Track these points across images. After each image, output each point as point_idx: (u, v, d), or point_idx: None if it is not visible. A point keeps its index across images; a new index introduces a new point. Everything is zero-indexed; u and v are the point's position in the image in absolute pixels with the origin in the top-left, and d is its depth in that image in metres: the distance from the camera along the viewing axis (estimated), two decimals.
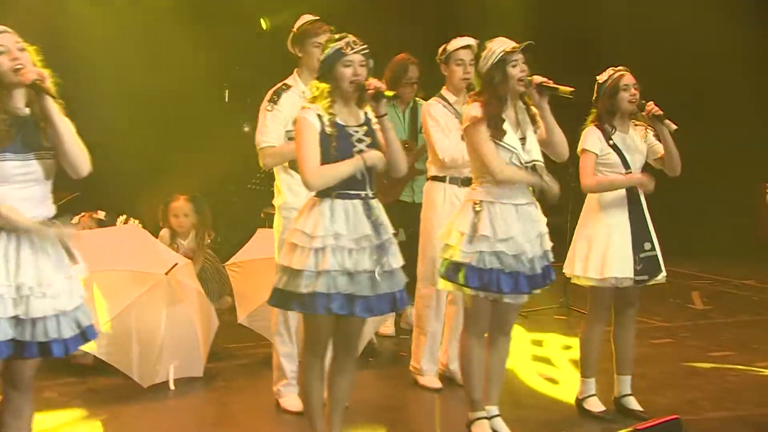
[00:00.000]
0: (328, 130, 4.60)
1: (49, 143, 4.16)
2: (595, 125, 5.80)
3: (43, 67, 4.37)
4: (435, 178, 6.56)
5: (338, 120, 4.69)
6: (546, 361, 7.56)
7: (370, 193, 4.86)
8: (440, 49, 6.59)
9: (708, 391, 6.82)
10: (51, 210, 4.33)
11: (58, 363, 6.40)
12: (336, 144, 4.63)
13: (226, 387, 6.63)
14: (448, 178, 6.45)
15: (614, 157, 5.73)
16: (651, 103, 5.77)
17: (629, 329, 6.14)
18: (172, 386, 6.20)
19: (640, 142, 5.96)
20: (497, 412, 5.49)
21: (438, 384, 6.60)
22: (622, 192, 5.86)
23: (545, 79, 5.20)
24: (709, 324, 9.07)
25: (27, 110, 4.19)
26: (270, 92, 6.07)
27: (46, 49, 4.51)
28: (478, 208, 5.17)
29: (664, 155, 5.95)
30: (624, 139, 5.81)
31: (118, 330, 6.29)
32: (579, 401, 6.06)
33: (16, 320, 4.18)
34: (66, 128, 4.19)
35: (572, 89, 5.24)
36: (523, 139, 5.19)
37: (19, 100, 4.13)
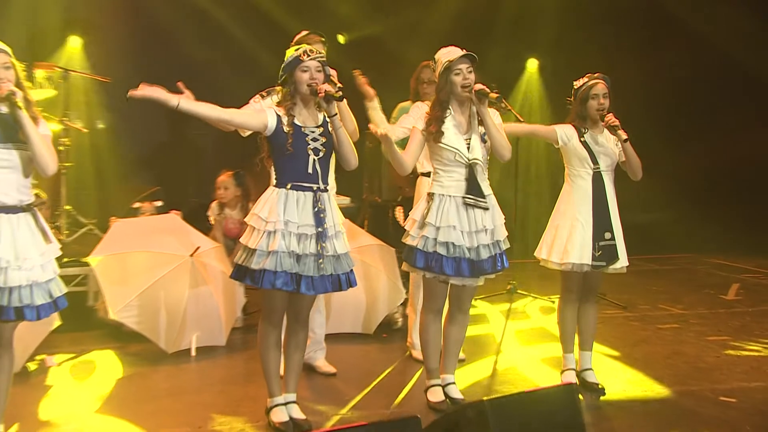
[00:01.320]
0: (285, 129, 5.02)
1: (23, 138, 4.66)
2: (571, 124, 6.08)
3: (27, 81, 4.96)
4: (423, 174, 6.83)
5: (296, 121, 5.07)
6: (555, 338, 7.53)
7: (321, 186, 5.21)
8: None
9: (676, 368, 6.95)
10: (29, 196, 4.85)
11: (103, 332, 7.42)
12: (291, 141, 5.03)
13: (244, 354, 7.06)
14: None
15: (584, 153, 5.98)
16: (610, 114, 5.97)
17: (591, 310, 6.36)
18: (193, 353, 6.72)
19: (611, 145, 6.13)
20: (452, 380, 5.83)
21: None
22: (589, 188, 6.09)
23: (482, 87, 5.45)
24: (728, 313, 9.01)
25: (5, 110, 4.67)
26: (264, 90, 6.37)
27: None
28: (429, 200, 5.56)
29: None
30: (596, 138, 6.04)
31: (147, 303, 6.84)
32: (561, 374, 6.31)
33: (11, 288, 4.68)
34: (35, 134, 4.69)
35: (497, 95, 5.48)
36: (468, 140, 5.49)
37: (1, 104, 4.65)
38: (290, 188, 5.14)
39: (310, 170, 5.17)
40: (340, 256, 5.29)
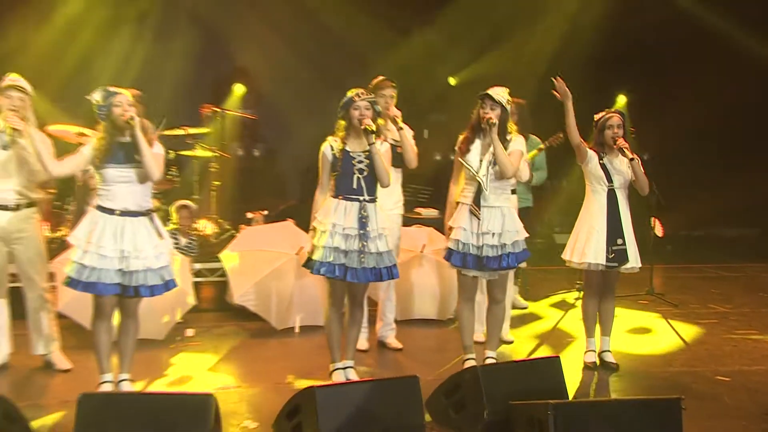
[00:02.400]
0: (336, 155, 5.52)
1: (139, 159, 5.22)
2: (592, 149, 6.30)
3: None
4: None
5: (347, 147, 5.54)
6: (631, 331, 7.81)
7: (366, 198, 5.62)
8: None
9: (691, 353, 7.00)
10: (149, 203, 5.40)
11: (232, 312, 7.89)
12: (340, 164, 5.51)
13: None
14: None
15: (600, 173, 6.23)
16: (621, 139, 6.20)
17: (609, 303, 6.55)
18: (297, 330, 7.21)
19: (624, 167, 6.30)
20: (493, 356, 6.05)
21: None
22: (604, 202, 6.32)
23: (489, 118, 5.72)
24: None
25: (127, 139, 5.26)
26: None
27: None
28: (458, 207, 5.96)
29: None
30: (611, 161, 6.25)
31: (261, 290, 7.37)
32: (584, 354, 6.53)
33: (121, 272, 5.21)
34: (147, 151, 5.24)
35: (494, 124, 5.70)
36: (481, 161, 5.79)
37: (125, 134, 5.22)
38: (341, 199, 5.56)
39: (355, 186, 5.57)
40: (382, 253, 5.64)
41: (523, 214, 7.86)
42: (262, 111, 11.64)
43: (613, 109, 6.55)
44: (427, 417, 5.20)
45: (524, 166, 6.38)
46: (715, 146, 12.20)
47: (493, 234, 5.91)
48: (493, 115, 5.80)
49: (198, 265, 8.65)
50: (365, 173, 5.63)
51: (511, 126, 6.09)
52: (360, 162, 5.61)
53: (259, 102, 12.03)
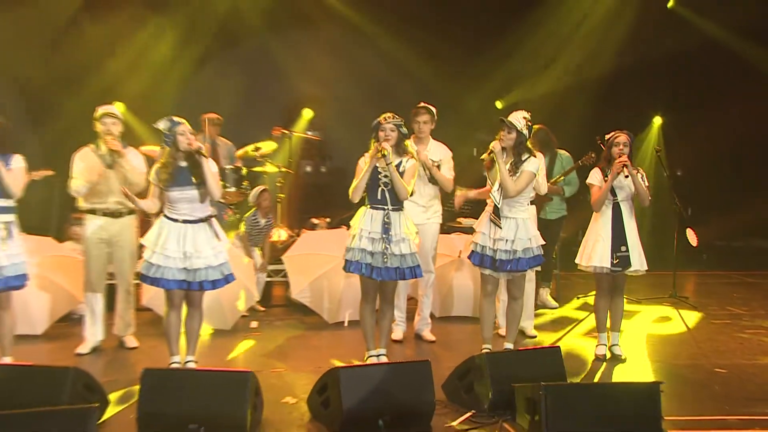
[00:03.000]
0: (371, 169, 5.78)
1: (198, 180, 5.56)
2: (599, 167, 6.52)
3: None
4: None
5: (376, 163, 5.79)
6: (647, 329, 7.89)
7: (390, 207, 5.86)
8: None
9: (696, 348, 7.03)
10: (207, 212, 5.72)
11: (292, 308, 8.24)
12: (369, 176, 5.78)
13: None
14: None
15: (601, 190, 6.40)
16: (624, 157, 6.33)
17: (618, 302, 6.69)
18: (346, 323, 7.48)
19: (628, 183, 6.46)
20: (510, 347, 6.23)
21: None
22: (609, 214, 6.49)
23: (495, 144, 5.98)
24: None
25: (185, 164, 5.59)
26: None
27: None
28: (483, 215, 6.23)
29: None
30: (617, 178, 6.38)
31: (316, 287, 7.69)
32: (595, 347, 6.69)
33: (185, 270, 5.56)
34: (210, 175, 5.59)
35: (490, 153, 5.98)
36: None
37: (183, 160, 5.56)
38: (369, 207, 5.85)
39: (379, 197, 5.83)
40: (405, 255, 5.86)
41: (558, 222, 8.28)
42: (328, 132, 11.86)
43: (623, 130, 6.60)
44: (444, 397, 5.39)
45: (542, 180, 6.47)
46: (749, 163, 12.10)
47: (506, 240, 6.09)
48: (507, 139, 6.01)
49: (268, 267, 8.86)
50: (389, 186, 5.84)
51: (530, 146, 6.23)
52: (385, 177, 5.82)
53: (325, 124, 12.22)
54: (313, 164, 12.48)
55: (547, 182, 7.56)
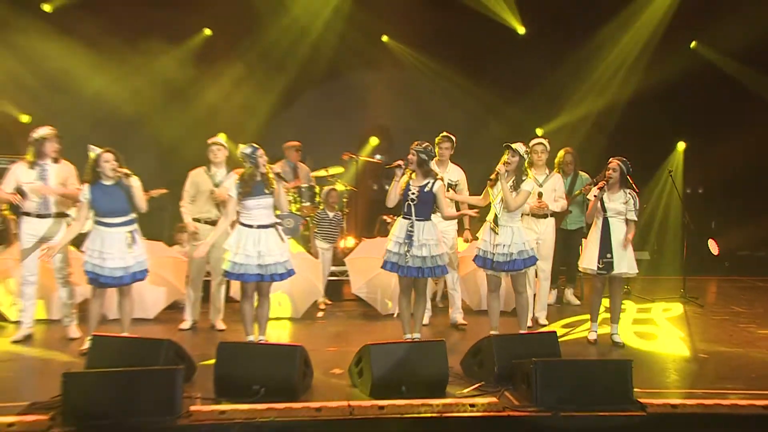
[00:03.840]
0: (401, 186, 6.19)
1: (269, 191, 6.03)
2: (596, 185, 6.82)
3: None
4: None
5: (409, 182, 6.18)
6: (651, 323, 7.92)
7: (415, 219, 6.18)
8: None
9: (687, 338, 7.10)
10: (274, 219, 6.15)
11: (354, 302, 8.55)
12: (402, 194, 6.18)
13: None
14: None
15: (598, 205, 6.71)
16: (601, 182, 6.72)
17: (617, 298, 6.86)
18: (395, 315, 7.61)
19: (618, 203, 6.72)
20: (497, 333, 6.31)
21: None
22: (600, 227, 6.72)
23: (500, 168, 6.35)
24: None
25: (260, 178, 6.06)
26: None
27: None
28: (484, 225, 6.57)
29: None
30: (609, 197, 6.71)
31: (372, 284, 8.03)
32: (588, 332, 6.96)
33: (259, 266, 6.02)
34: (282, 192, 6.10)
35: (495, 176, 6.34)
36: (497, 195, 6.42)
37: (259, 176, 6.03)
38: (402, 218, 6.25)
39: (406, 210, 6.21)
40: (425, 257, 6.17)
41: (578, 232, 8.44)
42: (392, 155, 11.58)
43: (617, 157, 6.87)
44: (461, 371, 5.69)
45: (561, 195, 7.14)
46: (765, 179, 11.87)
47: (504, 245, 6.42)
48: (512, 162, 6.35)
49: (334, 268, 9.17)
50: (415, 202, 6.17)
51: (527, 170, 6.55)
52: (412, 194, 6.18)
53: (389, 149, 12.36)
54: (378, 183, 12.67)
55: (567, 198, 7.93)
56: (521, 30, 12.19)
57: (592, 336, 6.93)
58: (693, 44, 12.13)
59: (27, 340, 6.77)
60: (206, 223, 7.16)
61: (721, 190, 11.99)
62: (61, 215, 6.77)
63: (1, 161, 9.12)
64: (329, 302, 8.73)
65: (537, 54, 11.62)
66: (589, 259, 6.78)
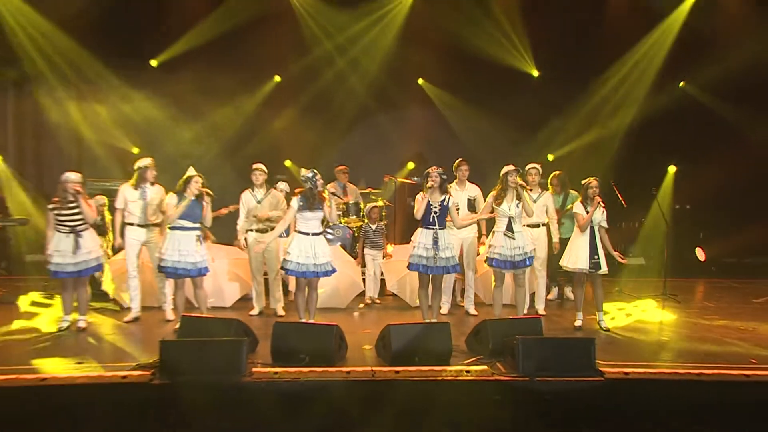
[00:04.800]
0: (426, 202, 6.59)
1: (321, 206, 6.41)
2: (581, 201, 7.08)
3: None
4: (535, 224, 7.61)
5: (429, 199, 6.59)
6: (632, 314, 7.94)
7: (438, 228, 6.54)
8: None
9: (654, 326, 7.29)
10: (321, 229, 6.51)
11: (390, 298, 8.62)
12: (425, 209, 6.59)
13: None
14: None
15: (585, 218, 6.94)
16: (598, 197, 6.93)
17: (599, 291, 7.06)
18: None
19: (598, 215, 6.98)
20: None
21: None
22: (588, 234, 6.97)
23: (520, 183, 6.68)
24: (740, 309, 8.45)
25: (316, 195, 6.38)
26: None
27: None
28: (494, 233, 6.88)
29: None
30: (598, 211, 6.95)
31: (402, 282, 8.28)
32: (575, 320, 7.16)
33: (314, 264, 6.42)
34: (333, 206, 6.44)
35: (521, 186, 6.55)
36: (509, 206, 6.74)
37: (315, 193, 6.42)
38: (423, 228, 6.64)
39: (431, 221, 6.59)
40: (447, 258, 6.58)
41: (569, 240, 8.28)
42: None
43: (594, 177, 7.11)
44: (465, 348, 6.04)
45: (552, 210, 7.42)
46: (745, 197, 11.68)
47: (520, 247, 6.76)
48: (520, 181, 6.73)
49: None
50: (437, 214, 6.59)
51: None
52: (435, 208, 6.59)
53: (422, 172, 12.26)
54: (414, 200, 12.36)
55: (558, 212, 8.17)
56: (535, 73, 12.11)
57: (578, 323, 7.16)
58: (681, 84, 12.11)
59: (136, 320, 7.36)
60: (257, 231, 7.59)
61: (706, 205, 11.83)
62: (156, 225, 7.36)
63: (116, 183, 9.55)
64: (378, 301, 8.71)
65: (548, 92, 11.57)
66: (581, 260, 6.97)
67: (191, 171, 6.78)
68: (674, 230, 10.98)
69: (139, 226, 7.39)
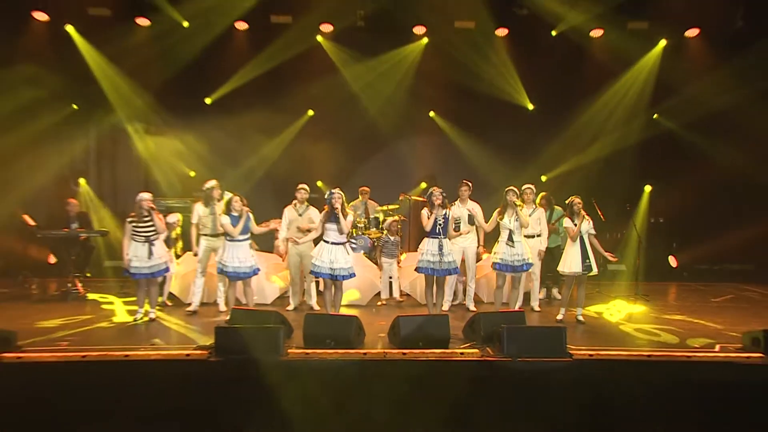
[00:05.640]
0: (434, 217, 6.86)
1: (335, 219, 6.66)
2: (568, 216, 7.34)
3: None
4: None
5: (435, 214, 6.87)
6: (607, 310, 8.11)
7: (442, 236, 6.81)
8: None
9: (629, 319, 7.39)
10: (344, 239, 6.79)
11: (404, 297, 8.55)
12: (432, 221, 6.89)
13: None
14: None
15: (575, 229, 7.20)
16: (583, 212, 7.13)
17: (582, 291, 7.31)
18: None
19: (585, 225, 7.23)
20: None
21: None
22: (579, 241, 7.20)
23: (514, 201, 6.94)
24: (699, 305, 8.59)
25: (334, 211, 6.69)
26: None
27: None
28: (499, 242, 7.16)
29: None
30: (578, 224, 7.20)
31: (413, 283, 8.48)
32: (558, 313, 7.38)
33: (330, 269, 6.70)
34: (344, 221, 6.68)
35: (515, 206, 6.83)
36: (510, 220, 7.05)
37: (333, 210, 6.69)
38: (429, 237, 6.94)
39: (437, 231, 6.88)
40: (450, 262, 6.87)
41: (557, 249, 8.52)
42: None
43: (577, 196, 7.37)
44: (462, 336, 6.33)
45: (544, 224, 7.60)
46: (712, 211, 11.61)
47: (519, 254, 7.05)
48: (516, 201, 7.06)
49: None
50: (442, 225, 6.89)
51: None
52: (440, 221, 6.91)
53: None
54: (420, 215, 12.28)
55: (549, 225, 8.33)
56: (530, 106, 12.05)
57: (560, 317, 7.41)
58: (655, 116, 12.08)
59: (195, 313, 7.78)
60: (296, 239, 7.77)
61: (677, 219, 11.83)
62: (222, 234, 7.70)
63: (179, 201, 10.03)
64: (400, 299, 8.78)
65: (540, 123, 11.71)
66: (575, 264, 7.21)
67: (227, 194, 7.17)
68: (650, 241, 11.10)
69: (211, 236, 7.82)
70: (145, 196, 7.24)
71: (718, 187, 11.04)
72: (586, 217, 7.27)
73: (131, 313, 7.58)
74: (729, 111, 10.55)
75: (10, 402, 4.90)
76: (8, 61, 9.87)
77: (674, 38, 11.37)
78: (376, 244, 9.74)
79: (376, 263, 9.03)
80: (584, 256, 7.23)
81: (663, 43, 11.52)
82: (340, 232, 6.88)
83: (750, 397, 5.12)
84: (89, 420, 4.92)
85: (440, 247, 6.93)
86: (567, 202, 7.44)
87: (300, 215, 7.94)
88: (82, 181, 11.73)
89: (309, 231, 7.24)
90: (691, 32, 11.29)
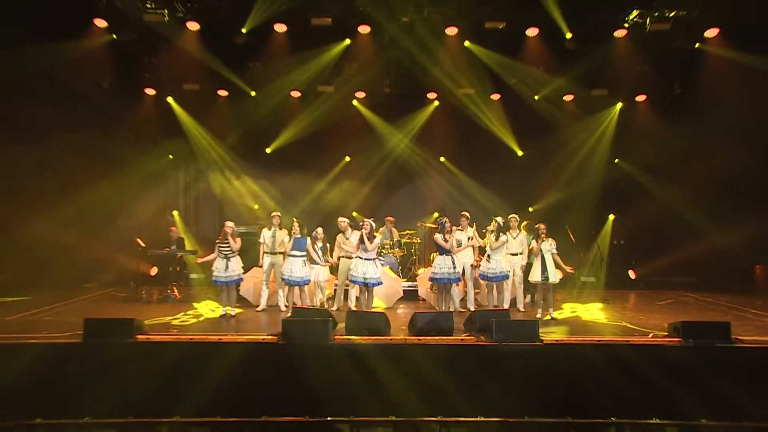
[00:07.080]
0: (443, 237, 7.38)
1: (365, 242, 7.14)
2: (534, 239, 7.54)
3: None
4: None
5: (444, 236, 7.41)
6: (575, 311, 8.19)
7: (452, 254, 7.24)
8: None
9: (590, 317, 7.53)
10: (373, 255, 7.27)
11: (423, 303, 8.86)
12: (451, 242, 7.42)
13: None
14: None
15: (539, 249, 7.42)
16: (544, 235, 7.30)
17: (549, 296, 7.53)
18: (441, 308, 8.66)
19: (547, 245, 7.45)
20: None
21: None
22: (540, 258, 7.41)
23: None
24: (648, 309, 8.45)
25: (364, 235, 7.20)
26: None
27: None
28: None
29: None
30: (542, 245, 7.47)
31: (428, 291, 8.88)
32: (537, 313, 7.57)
33: (364, 278, 7.19)
34: (368, 241, 7.06)
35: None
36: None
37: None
38: (443, 255, 7.38)
39: (448, 248, 7.42)
40: (458, 272, 7.30)
41: (527, 266, 8.48)
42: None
43: (541, 223, 7.60)
44: (462, 328, 6.69)
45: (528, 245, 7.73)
46: (661, 236, 11.63)
47: (493, 268, 7.55)
48: (491, 227, 7.50)
49: (411, 283, 9.65)
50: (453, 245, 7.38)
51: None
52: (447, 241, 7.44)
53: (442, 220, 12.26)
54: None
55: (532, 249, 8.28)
56: (520, 152, 12.19)
57: (538, 315, 7.73)
58: (617, 160, 12.17)
59: (264, 311, 8.22)
60: (346, 257, 8.30)
61: (635, 241, 11.89)
62: (281, 253, 8.15)
63: (249, 228, 10.32)
64: (422, 299, 9.03)
65: (528, 165, 12.00)
66: (536, 275, 7.52)
67: (294, 223, 7.59)
68: (613, 258, 11.38)
69: (271, 254, 8.30)
70: (229, 223, 7.74)
71: (667, 215, 11.10)
72: (549, 239, 7.54)
73: (213, 310, 8.13)
74: (673, 157, 10.84)
75: (142, 369, 5.68)
76: (129, 125, 10.78)
77: (628, 102, 11.69)
78: (398, 260, 10.25)
79: (398, 275, 9.48)
80: (543, 268, 7.43)
81: (619, 105, 11.82)
82: (365, 251, 7.40)
83: (669, 369, 5.66)
84: (196, 377, 5.60)
85: (453, 262, 7.45)
86: (535, 227, 7.77)
87: (347, 239, 8.37)
88: (175, 213, 12.14)
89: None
90: (640, 97, 11.63)
